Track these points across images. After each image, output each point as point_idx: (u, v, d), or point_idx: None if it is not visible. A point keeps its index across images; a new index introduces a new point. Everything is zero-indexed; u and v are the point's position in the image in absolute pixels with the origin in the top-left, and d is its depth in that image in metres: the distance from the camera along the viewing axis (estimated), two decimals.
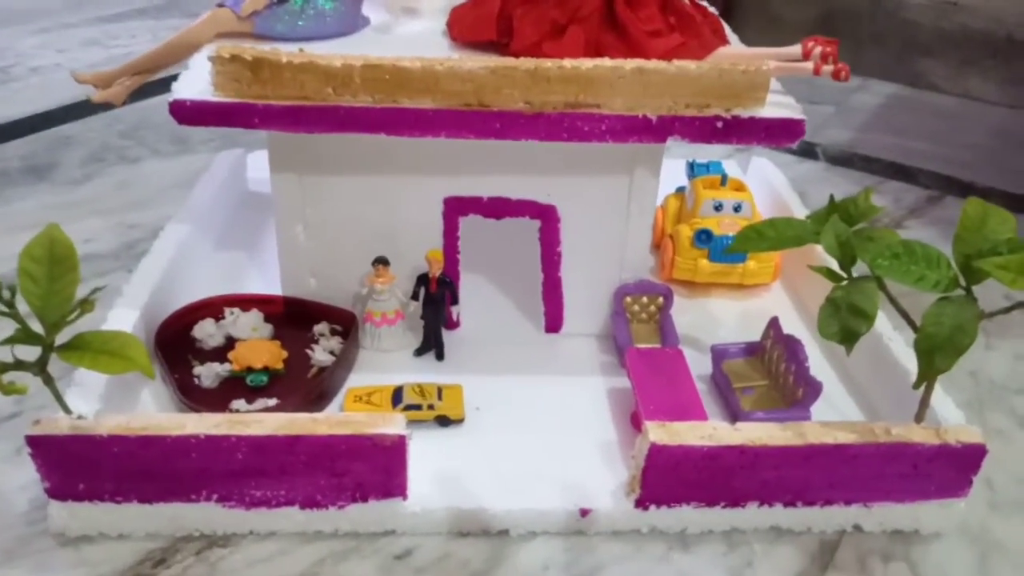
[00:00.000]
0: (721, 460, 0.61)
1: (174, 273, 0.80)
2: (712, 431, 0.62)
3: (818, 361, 0.78)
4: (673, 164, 0.95)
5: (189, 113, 0.65)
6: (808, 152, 1.33)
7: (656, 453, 0.61)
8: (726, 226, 0.87)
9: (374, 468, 0.60)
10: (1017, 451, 0.76)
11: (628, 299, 0.80)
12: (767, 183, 1.01)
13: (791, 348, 0.73)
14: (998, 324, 0.68)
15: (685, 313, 0.84)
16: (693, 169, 0.98)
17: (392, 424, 0.60)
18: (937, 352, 0.58)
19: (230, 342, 0.76)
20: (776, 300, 0.90)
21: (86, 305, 0.53)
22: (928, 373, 0.60)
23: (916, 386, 0.62)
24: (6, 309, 0.51)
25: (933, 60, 1.54)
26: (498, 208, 0.77)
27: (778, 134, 0.67)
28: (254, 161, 1.06)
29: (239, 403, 0.69)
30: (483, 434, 0.70)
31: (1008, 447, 0.76)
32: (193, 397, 0.69)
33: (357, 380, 0.75)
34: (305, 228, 0.77)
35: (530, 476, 0.66)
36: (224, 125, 0.65)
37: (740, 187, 0.93)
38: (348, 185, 0.75)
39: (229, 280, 0.86)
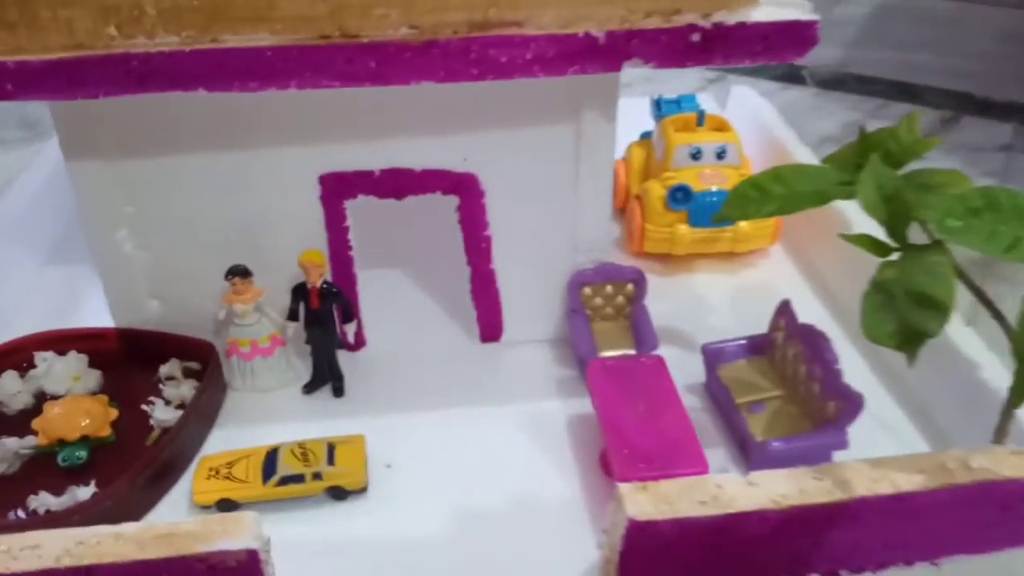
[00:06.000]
0: (732, 533, 0.42)
1: None
2: (716, 491, 0.42)
3: (847, 356, 0.56)
4: (633, 103, 0.73)
5: None
6: (793, 77, 1.12)
7: (637, 532, 0.41)
8: (708, 178, 0.67)
9: None
10: None
11: (587, 290, 0.60)
12: (754, 118, 0.80)
13: (812, 344, 0.53)
14: None
15: (663, 299, 0.63)
16: (660, 107, 0.76)
17: (238, 531, 0.40)
18: None
19: (43, 401, 0.55)
20: (779, 271, 0.70)
21: None
22: None
23: (1015, 405, 0.42)
24: None
25: None
26: (396, 184, 0.55)
27: (782, 45, 0.46)
28: None
29: (42, 498, 0.48)
30: (395, 507, 0.50)
31: None
32: None
33: (224, 437, 0.54)
34: (131, 232, 0.56)
35: (464, 567, 0.46)
36: None
37: (722, 126, 0.72)
38: (181, 166, 0.54)
39: (57, 314, 0.64)
